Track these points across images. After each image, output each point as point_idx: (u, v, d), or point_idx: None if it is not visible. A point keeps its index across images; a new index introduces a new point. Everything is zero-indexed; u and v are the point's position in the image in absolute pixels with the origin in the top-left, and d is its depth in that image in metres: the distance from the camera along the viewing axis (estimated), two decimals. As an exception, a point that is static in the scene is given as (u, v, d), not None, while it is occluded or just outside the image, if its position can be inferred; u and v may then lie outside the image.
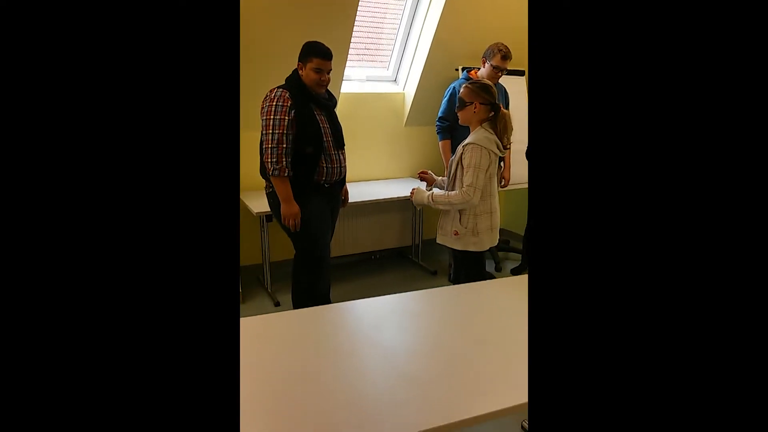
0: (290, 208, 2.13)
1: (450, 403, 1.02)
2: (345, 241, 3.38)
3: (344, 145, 2.29)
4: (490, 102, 1.95)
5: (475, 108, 1.95)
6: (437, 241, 2.12)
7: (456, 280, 2.15)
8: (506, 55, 2.78)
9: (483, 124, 1.97)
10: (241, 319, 1.37)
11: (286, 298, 2.79)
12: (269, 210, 2.32)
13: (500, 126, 1.96)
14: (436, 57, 3.29)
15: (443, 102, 2.96)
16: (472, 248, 2.03)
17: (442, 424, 0.96)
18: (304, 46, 2.13)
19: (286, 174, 2.08)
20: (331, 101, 2.26)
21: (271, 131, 2.05)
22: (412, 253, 3.69)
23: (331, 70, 2.15)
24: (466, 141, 1.97)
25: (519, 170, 3.34)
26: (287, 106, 2.06)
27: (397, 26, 3.41)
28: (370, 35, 3.42)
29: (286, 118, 2.05)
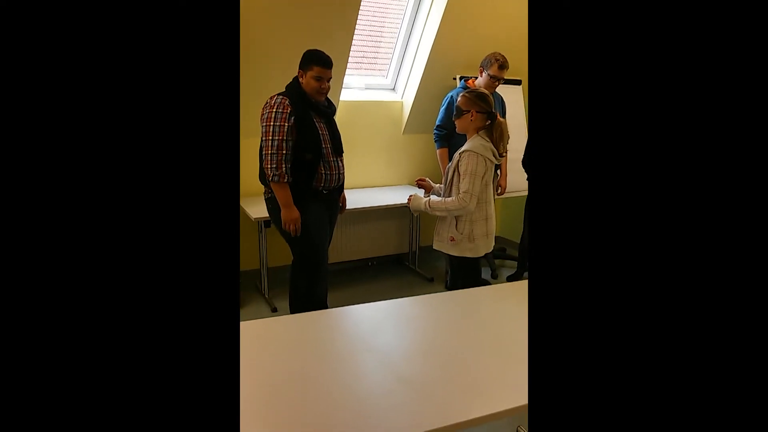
0: (290, 214, 2.14)
1: (447, 406, 1.04)
2: (342, 247, 3.40)
3: (343, 152, 2.31)
4: (487, 110, 1.98)
5: (471, 116, 1.98)
6: (434, 247, 2.14)
7: (452, 286, 2.17)
8: (503, 65, 2.82)
9: (479, 132, 2.00)
10: (240, 323, 1.38)
11: (284, 304, 2.80)
12: (267, 216, 2.33)
13: (496, 134, 1.99)
14: (434, 66, 3.33)
15: (441, 110, 2.99)
16: (468, 254, 2.05)
17: (439, 426, 0.97)
18: (304, 54, 2.16)
19: (285, 180, 2.10)
20: (330, 109, 2.29)
21: (270, 138, 2.07)
22: (409, 260, 3.71)
23: (330, 78, 2.18)
24: (463, 148, 2.00)
25: (515, 178, 3.37)
26: (287, 112, 2.08)
27: (396, 35, 3.45)
28: (369, 44, 3.46)
29: (286, 124, 2.08)
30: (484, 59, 2.86)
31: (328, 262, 2.40)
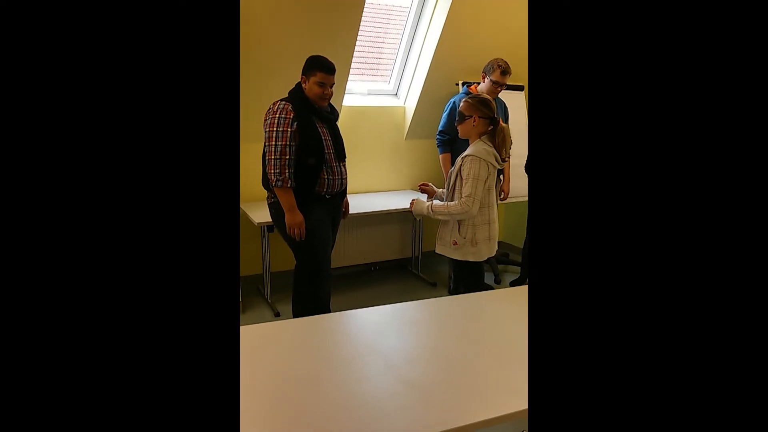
0: (295, 218, 2.15)
1: (450, 409, 1.04)
2: (345, 252, 3.40)
3: (345, 157, 2.32)
4: (489, 116, 1.99)
5: (474, 121, 1.99)
6: (436, 251, 2.14)
7: (455, 290, 2.17)
8: (505, 71, 2.83)
9: (482, 137, 2.01)
10: (242, 327, 1.38)
11: (286, 308, 2.80)
12: (270, 220, 2.34)
13: (499, 139, 2.00)
14: (436, 72, 3.34)
15: (443, 116, 3.00)
16: (470, 258, 2.06)
17: (442, 429, 0.97)
18: (307, 60, 2.18)
19: (289, 185, 2.11)
20: (333, 114, 2.30)
21: (274, 143, 2.09)
22: (412, 265, 3.71)
23: (333, 84, 2.20)
24: (465, 153, 2.01)
25: (518, 183, 3.37)
26: (290, 118, 2.09)
27: (399, 40, 3.47)
28: (371, 49, 3.48)
29: (289, 129, 2.09)
30: (487, 65, 2.87)
31: (331, 267, 2.41)
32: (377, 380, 1.15)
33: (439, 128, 3.02)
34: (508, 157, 3.20)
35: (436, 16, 3.22)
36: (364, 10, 2.88)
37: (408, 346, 1.34)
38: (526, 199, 3.46)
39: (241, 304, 2.94)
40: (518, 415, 1.04)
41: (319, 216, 2.24)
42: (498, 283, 3.48)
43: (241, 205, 2.96)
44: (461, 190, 1.98)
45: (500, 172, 3.16)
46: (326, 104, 2.25)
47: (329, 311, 2.37)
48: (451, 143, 2.95)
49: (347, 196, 2.48)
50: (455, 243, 2.04)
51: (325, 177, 2.20)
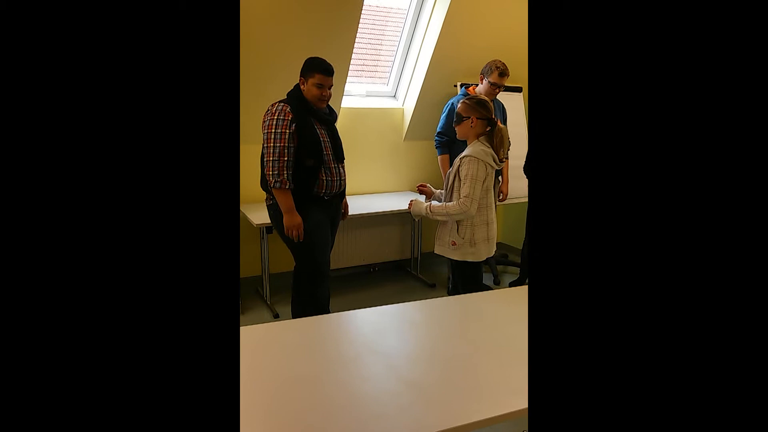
0: (293, 219, 2.15)
1: (451, 409, 1.04)
2: (344, 253, 3.40)
3: (344, 158, 2.32)
4: (487, 117, 2.00)
5: (472, 123, 2.00)
6: (435, 251, 2.15)
7: (454, 291, 2.17)
8: (503, 72, 2.84)
9: (479, 138, 2.02)
10: (242, 328, 1.38)
11: (285, 310, 2.80)
12: (269, 222, 2.34)
13: (496, 140, 2.01)
14: (434, 73, 3.35)
15: (442, 117, 3.01)
16: (469, 258, 2.06)
17: (443, 429, 0.97)
18: (306, 61, 2.18)
19: (287, 186, 2.11)
20: (331, 116, 2.31)
21: (272, 144, 2.09)
22: (411, 266, 3.71)
23: (332, 85, 2.20)
24: (463, 154, 2.01)
25: (517, 185, 3.38)
26: (288, 119, 2.10)
27: (397, 42, 3.48)
28: (370, 51, 3.49)
29: (287, 131, 2.09)
30: (485, 67, 2.88)
31: (330, 268, 2.41)
32: (377, 380, 1.15)
33: (438, 129, 3.02)
34: (506, 158, 3.21)
35: (434, 17, 3.23)
36: (363, 11, 2.89)
37: (407, 347, 1.34)
38: (525, 200, 3.47)
39: (240, 305, 2.93)
40: (517, 414, 1.04)
41: (317, 217, 2.24)
42: (497, 284, 3.48)
43: (240, 207, 2.97)
44: (459, 190, 1.99)
45: (499, 173, 3.17)
46: (325, 106, 2.25)
47: (328, 312, 2.37)
48: (449, 144, 2.95)
49: (346, 197, 2.48)
50: (454, 243, 2.05)
51: (324, 178, 2.21)
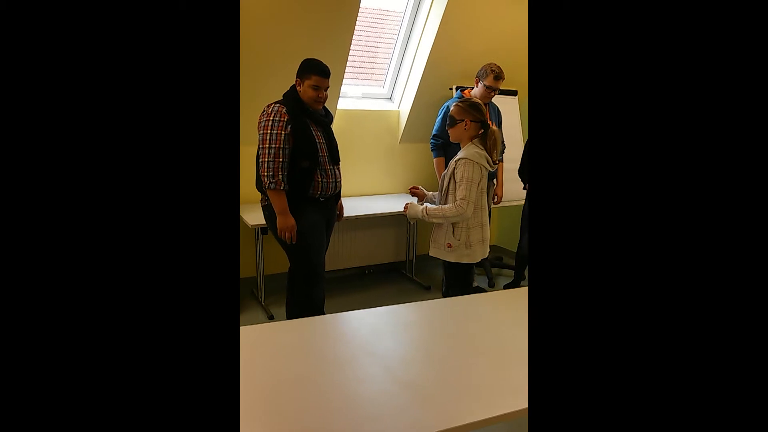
0: (286, 221, 2.15)
1: (447, 410, 1.04)
2: (339, 255, 3.40)
3: (339, 160, 2.33)
4: (480, 119, 2.02)
5: (465, 125, 2.01)
6: (430, 254, 2.15)
7: (446, 293, 2.18)
8: (498, 76, 2.85)
9: (473, 141, 2.04)
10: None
11: (280, 311, 2.79)
12: (264, 223, 2.34)
13: (490, 142, 2.03)
14: (430, 76, 3.36)
15: (437, 120, 3.02)
16: (465, 260, 2.07)
17: (438, 430, 0.97)
18: (302, 62, 2.18)
19: (282, 187, 2.11)
20: (327, 118, 2.31)
21: (268, 145, 2.09)
22: (406, 269, 3.71)
23: (328, 87, 2.20)
24: (458, 156, 2.02)
25: (512, 188, 3.39)
26: (284, 121, 2.10)
27: (393, 45, 3.49)
28: (366, 53, 3.50)
29: (283, 132, 2.09)
30: (480, 70, 2.90)
31: (325, 270, 2.41)
32: (372, 382, 1.15)
33: (433, 132, 3.03)
34: (501, 161, 3.23)
35: (430, 20, 3.24)
36: (359, 14, 2.90)
37: (403, 348, 1.34)
38: (520, 203, 3.49)
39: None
40: (513, 415, 1.04)
41: (313, 219, 2.24)
42: (492, 286, 3.49)
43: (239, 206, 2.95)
44: (455, 193, 2.00)
45: (493, 175, 3.18)
46: (321, 107, 2.26)
47: (323, 314, 2.37)
48: (445, 147, 2.96)
49: (341, 199, 2.48)
50: (449, 245, 2.05)
51: (319, 180, 2.21)
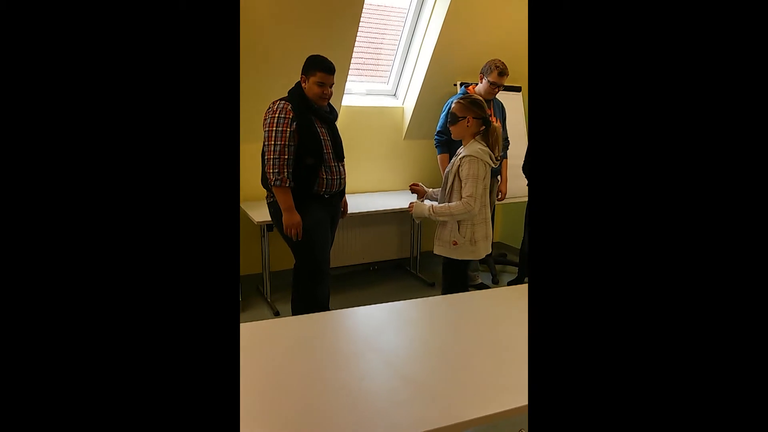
0: (292, 218, 2.16)
1: (450, 406, 1.05)
2: (344, 251, 3.41)
3: (344, 157, 2.33)
4: (482, 116, 2.02)
5: (468, 122, 2.02)
6: (434, 252, 2.16)
7: (447, 289, 2.18)
8: (503, 72, 2.84)
9: (475, 137, 2.04)
10: (242, 325, 1.39)
11: (286, 307, 2.81)
12: (270, 220, 2.35)
13: (492, 139, 2.04)
14: (434, 72, 3.36)
15: (441, 116, 3.02)
16: (469, 257, 2.08)
17: (442, 425, 0.98)
18: (307, 59, 2.19)
19: (287, 184, 2.12)
20: (332, 114, 2.31)
21: (273, 142, 2.10)
22: (411, 265, 3.72)
23: (333, 84, 2.21)
24: (462, 154, 2.02)
25: (516, 184, 3.39)
26: (289, 117, 2.11)
27: (398, 41, 3.48)
28: (370, 50, 3.50)
29: (288, 129, 2.10)
30: (484, 66, 2.89)
31: (330, 266, 2.42)
32: (376, 377, 1.16)
33: (438, 128, 3.03)
34: (505, 158, 3.22)
35: (435, 17, 3.24)
36: (363, 10, 2.89)
37: (407, 344, 1.35)
38: (524, 199, 3.48)
39: (240, 303, 2.94)
40: (516, 411, 1.05)
41: (317, 215, 2.25)
42: (496, 283, 3.49)
43: (241, 205, 2.97)
44: (461, 190, 2.00)
45: (497, 172, 3.18)
46: (326, 104, 2.26)
47: (328, 310, 2.38)
48: (449, 144, 2.96)
49: (346, 195, 2.49)
50: (455, 243, 2.06)
51: (324, 177, 2.22)
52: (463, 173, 1.99)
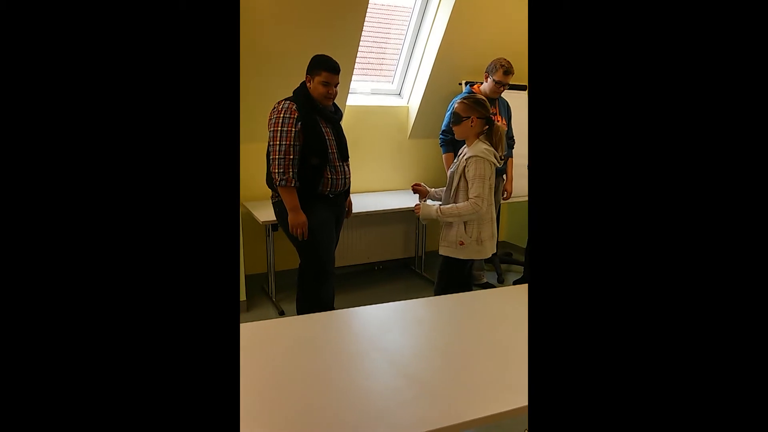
0: (298, 218, 2.17)
1: (453, 405, 1.05)
2: (349, 251, 3.41)
3: (348, 156, 2.33)
4: (486, 116, 2.02)
5: (472, 122, 2.01)
6: (440, 253, 2.15)
7: (445, 289, 2.16)
8: (508, 70, 2.84)
9: (480, 137, 2.03)
10: (246, 324, 1.40)
11: (291, 307, 2.82)
12: (275, 219, 2.36)
13: (496, 138, 2.04)
14: (439, 71, 3.35)
15: (446, 115, 3.01)
16: (475, 256, 2.09)
17: (445, 425, 0.98)
18: (312, 59, 2.19)
19: (293, 184, 2.12)
20: (337, 114, 2.31)
21: (278, 142, 2.10)
22: (416, 265, 3.72)
23: (338, 83, 2.21)
24: (468, 154, 2.02)
25: (522, 183, 3.38)
26: (294, 117, 2.11)
27: (402, 40, 3.48)
28: (375, 49, 3.50)
29: (293, 129, 2.11)
30: (490, 65, 2.88)
31: (335, 266, 2.42)
32: (380, 376, 1.16)
33: (443, 128, 3.03)
34: (511, 156, 3.21)
35: (439, 15, 3.23)
36: (368, 9, 2.89)
37: (411, 343, 1.35)
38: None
39: (245, 302, 2.95)
40: (520, 411, 1.05)
41: (322, 215, 2.25)
42: (501, 282, 3.48)
43: (246, 204, 2.98)
44: (467, 191, 2.00)
45: (503, 171, 3.17)
46: (331, 104, 2.26)
47: (333, 310, 2.38)
48: (454, 143, 2.95)
49: (350, 195, 2.49)
50: (462, 243, 2.06)
51: (329, 176, 2.22)
52: (470, 174, 1.99)
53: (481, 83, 2.98)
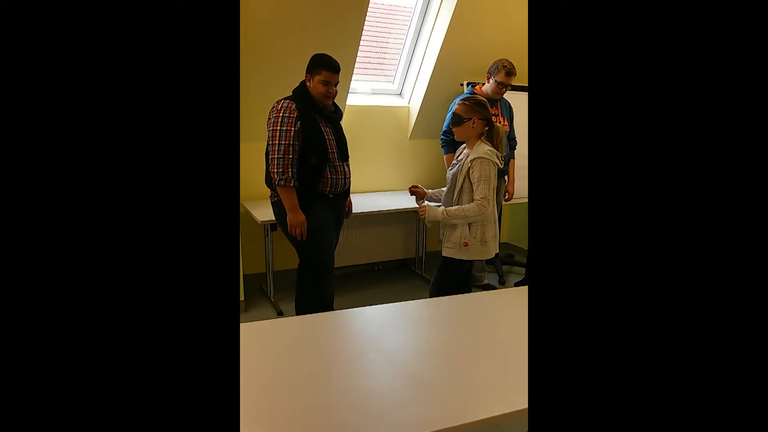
0: (296, 217, 2.15)
1: (454, 407, 1.04)
2: (349, 251, 3.40)
3: (348, 156, 2.32)
4: (487, 117, 2.02)
5: (473, 124, 2.00)
6: (443, 255, 2.14)
7: (442, 289, 2.15)
8: (510, 71, 2.83)
9: (482, 138, 2.02)
10: (245, 325, 1.39)
11: (290, 307, 2.81)
12: (274, 219, 2.34)
13: (497, 140, 2.03)
14: (441, 72, 3.34)
15: (448, 116, 3.00)
16: (478, 257, 2.08)
17: (446, 426, 0.97)
18: (312, 58, 2.18)
19: (292, 184, 2.11)
20: (336, 114, 2.30)
21: (277, 142, 2.09)
22: (416, 265, 3.70)
23: (338, 83, 2.20)
24: (472, 156, 2.01)
25: (523, 184, 3.36)
26: (293, 117, 2.10)
27: (403, 40, 3.47)
28: (375, 48, 3.49)
29: (293, 129, 2.09)
30: (492, 65, 2.87)
31: (335, 266, 2.41)
32: (380, 377, 1.15)
33: (444, 128, 3.02)
34: (513, 157, 3.20)
35: (441, 15, 3.22)
36: (369, 9, 2.88)
37: (411, 344, 1.33)
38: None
39: (244, 302, 2.94)
40: (521, 413, 1.03)
41: (322, 215, 2.24)
42: (502, 284, 3.47)
43: (245, 204, 2.97)
44: (472, 193, 2.00)
45: (504, 172, 3.16)
46: (330, 103, 2.25)
47: (332, 310, 2.37)
48: (455, 143, 2.93)
49: (350, 195, 2.48)
50: (466, 244, 2.05)
51: (329, 176, 2.21)
52: (475, 176, 1.98)
53: (483, 84, 2.97)
